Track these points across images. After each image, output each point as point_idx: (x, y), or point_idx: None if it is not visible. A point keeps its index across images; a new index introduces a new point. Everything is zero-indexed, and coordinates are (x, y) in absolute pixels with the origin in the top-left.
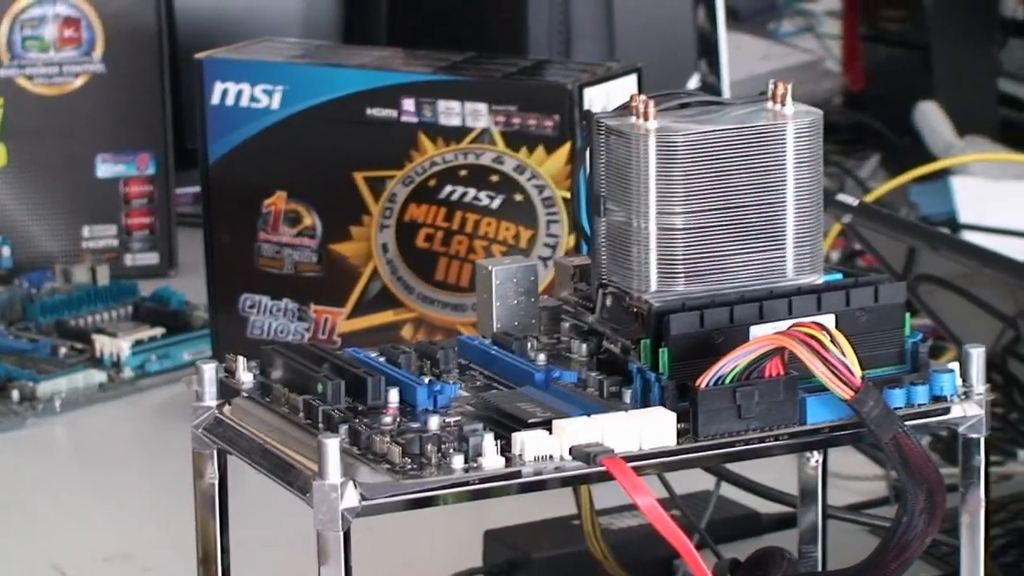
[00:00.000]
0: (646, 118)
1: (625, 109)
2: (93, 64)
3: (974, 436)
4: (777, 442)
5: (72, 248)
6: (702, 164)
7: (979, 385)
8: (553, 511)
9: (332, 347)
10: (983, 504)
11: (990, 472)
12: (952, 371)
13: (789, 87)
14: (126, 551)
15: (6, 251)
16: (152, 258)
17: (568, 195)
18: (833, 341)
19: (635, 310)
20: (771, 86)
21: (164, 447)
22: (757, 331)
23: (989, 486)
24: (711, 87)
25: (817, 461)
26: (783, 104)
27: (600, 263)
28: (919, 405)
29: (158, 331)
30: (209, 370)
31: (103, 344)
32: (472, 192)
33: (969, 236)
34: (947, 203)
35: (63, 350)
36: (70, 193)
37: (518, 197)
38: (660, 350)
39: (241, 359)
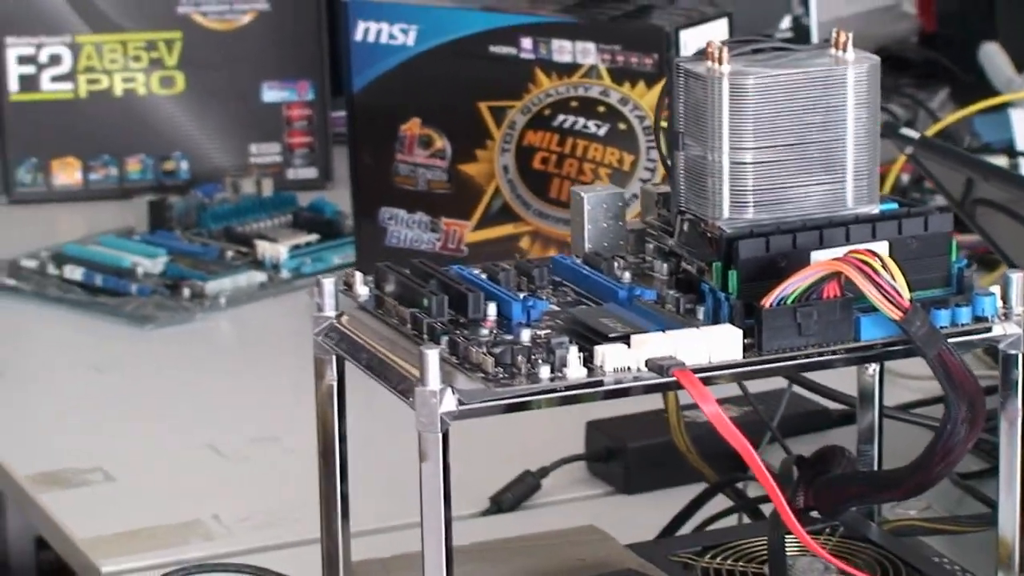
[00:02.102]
0: (720, 62)
1: (702, 54)
2: (259, 3)
3: (1012, 352)
4: (834, 356)
5: (241, 163)
6: (770, 105)
7: (1018, 306)
8: (652, 405)
9: (440, 266)
10: (1020, 413)
11: None
12: (993, 294)
13: (851, 35)
14: (273, 434)
15: (184, 165)
16: (311, 172)
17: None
18: (884, 266)
19: (709, 235)
20: (834, 34)
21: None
22: (818, 256)
23: None
24: (803, 27)
25: (874, 369)
26: (844, 50)
27: (679, 192)
28: (962, 324)
29: (313, 237)
30: (328, 283)
31: (264, 248)
32: (582, 121)
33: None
34: (1007, 132)
35: (229, 253)
36: (239, 115)
37: (622, 126)
38: (729, 272)
39: (359, 274)
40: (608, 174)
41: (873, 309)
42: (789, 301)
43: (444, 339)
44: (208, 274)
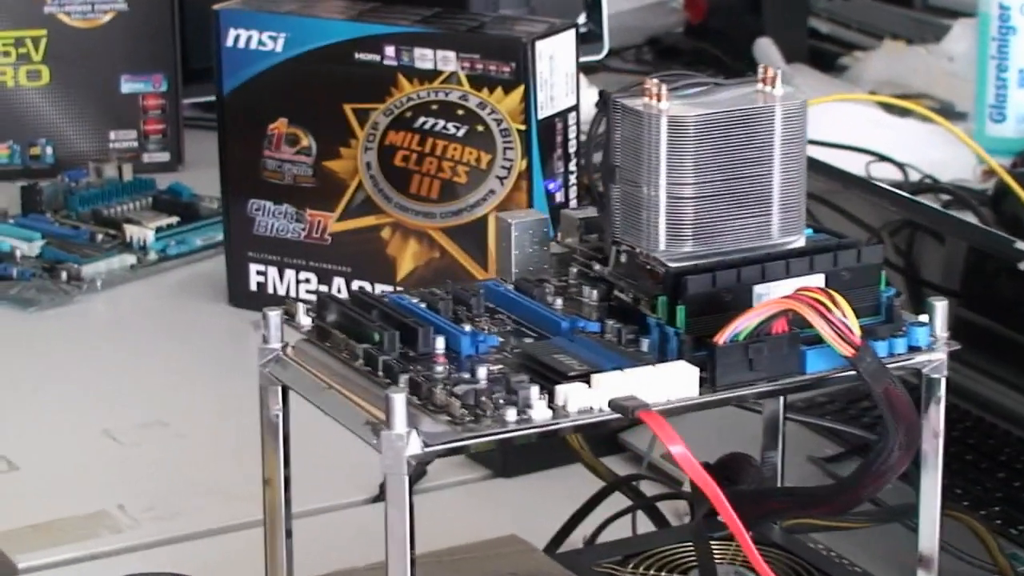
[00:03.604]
0: (659, 99)
1: (636, 89)
2: (118, 3)
3: (936, 376)
4: (783, 389)
5: (101, 148)
6: (708, 141)
7: (942, 333)
8: None
9: (378, 295)
10: (942, 431)
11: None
12: (927, 324)
13: (779, 73)
14: (160, 418)
15: (49, 151)
16: (164, 156)
17: (522, 127)
18: (835, 303)
19: (649, 267)
20: (761, 71)
21: (187, 323)
22: (759, 289)
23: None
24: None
25: None
26: (772, 86)
27: (614, 223)
28: (899, 355)
29: (174, 219)
30: (275, 316)
31: (132, 231)
32: (442, 123)
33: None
34: None
35: (100, 236)
36: (100, 105)
37: (480, 128)
38: (677, 307)
39: (300, 304)
40: (466, 172)
41: (817, 342)
42: (741, 337)
43: (403, 378)
44: (83, 257)
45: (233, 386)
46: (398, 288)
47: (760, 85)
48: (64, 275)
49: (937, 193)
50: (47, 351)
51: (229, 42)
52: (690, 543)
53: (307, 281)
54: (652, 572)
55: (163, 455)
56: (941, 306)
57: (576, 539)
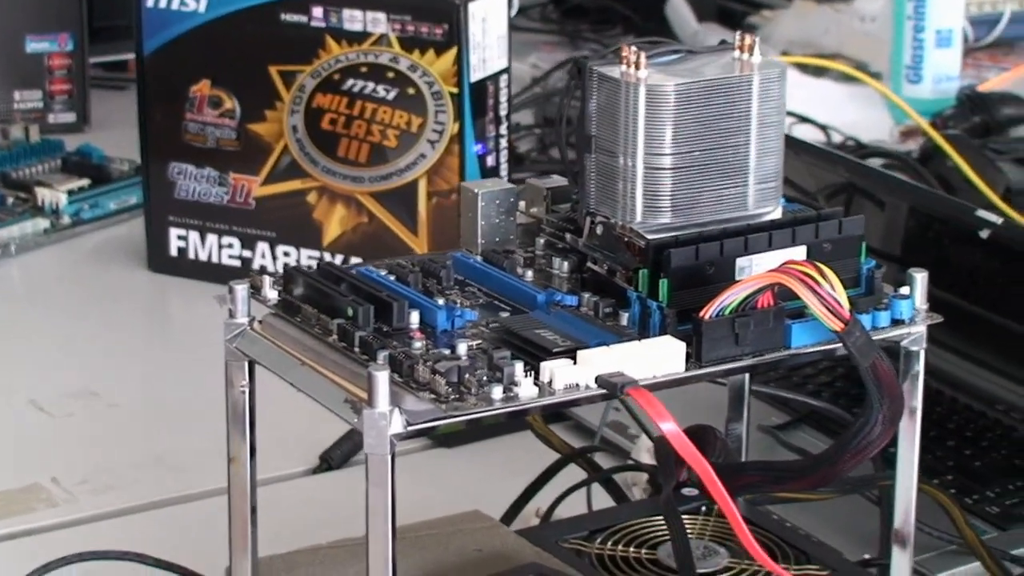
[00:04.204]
0: (637, 67)
1: (614, 57)
2: None
3: (914, 349)
4: (767, 363)
5: (5, 109)
6: (687, 111)
7: (922, 305)
8: None
9: (345, 267)
10: (920, 404)
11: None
12: (909, 297)
13: (757, 39)
14: (90, 387)
15: None
16: (70, 117)
17: (455, 91)
18: (824, 277)
19: (627, 240)
20: (738, 37)
21: (108, 290)
22: (742, 262)
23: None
24: None
25: None
26: (751, 54)
27: (589, 194)
28: (882, 327)
29: (85, 182)
30: (242, 290)
31: (43, 195)
32: (371, 85)
33: None
34: None
35: (10, 200)
36: (4, 65)
37: (411, 91)
38: (660, 281)
39: (267, 277)
40: (396, 135)
41: (800, 316)
42: (727, 312)
43: (381, 354)
44: None
45: (160, 355)
46: (330, 254)
47: (737, 53)
48: None
49: (866, 156)
50: None
51: (150, 2)
52: (656, 517)
53: (230, 246)
54: (621, 547)
55: (94, 426)
56: (921, 278)
57: (528, 513)
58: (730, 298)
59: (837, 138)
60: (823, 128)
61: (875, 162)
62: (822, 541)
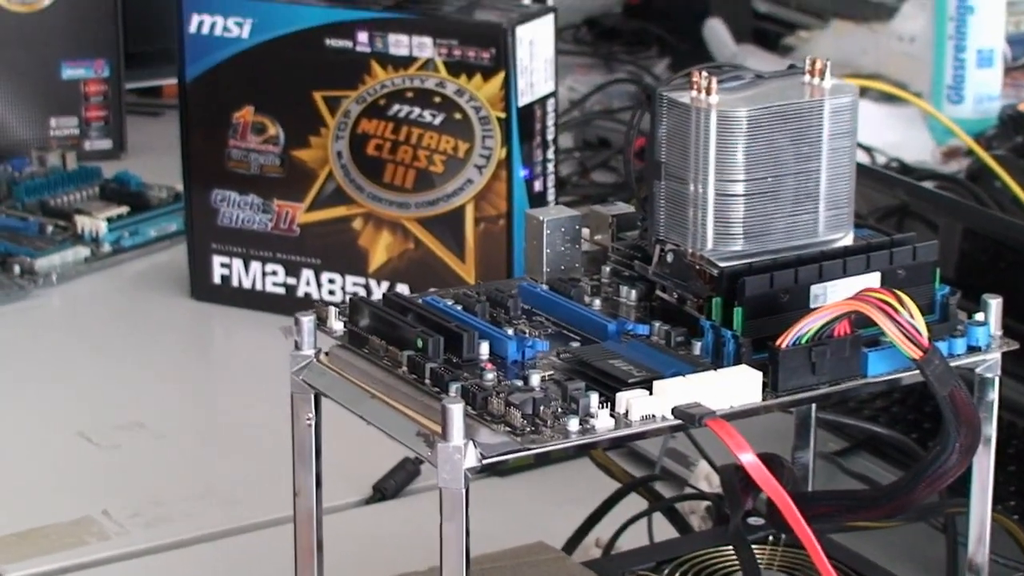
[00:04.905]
0: (708, 93)
1: (684, 82)
2: None
3: (989, 376)
4: (844, 391)
5: (40, 136)
6: (759, 137)
7: (997, 331)
8: None
9: (411, 296)
10: (994, 433)
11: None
12: (986, 324)
13: (828, 63)
14: (137, 419)
15: None
16: (106, 144)
17: (502, 115)
18: (903, 304)
19: (698, 267)
20: (808, 62)
21: (151, 318)
22: (816, 289)
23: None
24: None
25: None
26: (821, 78)
27: (658, 221)
28: (957, 355)
29: (124, 209)
30: (308, 321)
31: (83, 222)
32: (417, 110)
33: None
34: None
35: (50, 228)
36: (40, 91)
37: (457, 116)
38: (734, 309)
39: (332, 308)
40: (443, 161)
41: (876, 343)
42: (804, 340)
43: (454, 387)
44: (35, 250)
45: (206, 384)
46: (377, 281)
47: (807, 77)
48: (17, 269)
49: (921, 179)
50: (10, 349)
51: (192, 28)
52: (722, 547)
53: (274, 274)
54: None
55: (143, 457)
56: (996, 304)
57: (587, 543)
58: (807, 326)
59: (880, 159)
60: (867, 150)
61: (926, 184)
62: (890, 571)
